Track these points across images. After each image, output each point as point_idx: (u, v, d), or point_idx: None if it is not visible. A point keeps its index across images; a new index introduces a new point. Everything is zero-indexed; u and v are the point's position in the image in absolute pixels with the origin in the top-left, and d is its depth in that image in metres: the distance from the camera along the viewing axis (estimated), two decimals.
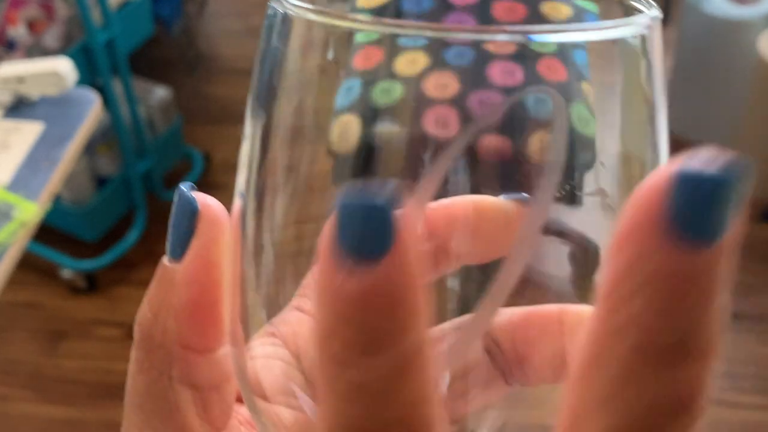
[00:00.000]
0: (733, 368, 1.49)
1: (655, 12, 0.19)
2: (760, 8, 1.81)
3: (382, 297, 0.14)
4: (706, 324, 0.13)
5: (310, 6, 0.19)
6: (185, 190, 0.21)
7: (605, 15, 0.21)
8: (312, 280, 0.21)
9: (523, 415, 0.22)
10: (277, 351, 0.21)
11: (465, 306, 0.23)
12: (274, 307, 0.21)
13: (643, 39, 0.19)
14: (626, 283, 0.13)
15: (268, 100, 0.20)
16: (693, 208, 0.13)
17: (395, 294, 0.14)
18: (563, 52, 0.20)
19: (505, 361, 0.22)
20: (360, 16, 0.18)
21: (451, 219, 0.21)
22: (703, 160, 0.13)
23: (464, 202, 0.21)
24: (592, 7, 0.21)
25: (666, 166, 0.13)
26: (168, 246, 0.21)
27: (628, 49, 0.19)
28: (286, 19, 0.19)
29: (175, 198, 0.21)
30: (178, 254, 0.21)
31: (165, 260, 0.21)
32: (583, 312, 0.21)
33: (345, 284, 0.14)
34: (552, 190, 0.19)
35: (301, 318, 0.21)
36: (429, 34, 0.18)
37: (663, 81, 0.20)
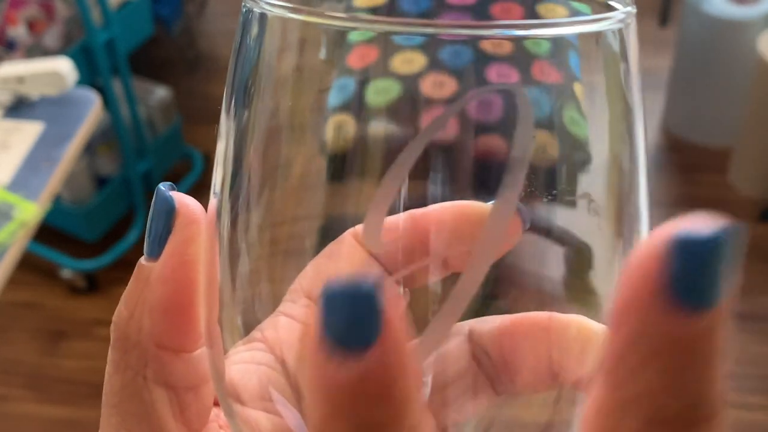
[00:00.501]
0: (734, 368, 1.49)
1: (630, 8, 0.19)
2: (760, 8, 1.81)
3: (374, 387, 0.13)
4: (714, 387, 0.13)
5: (287, 4, 0.18)
6: (163, 189, 0.21)
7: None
8: (299, 287, 0.21)
9: (510, 415, 0.22)
10: (256, 356, 0.21)
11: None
12: (249, 308, 0.21)
13: (621, 36, 0.19)
14: (633, 356, 0.13)
15: (245, 99, 0.20)
16: (692, 274, 0.13)
17: (386, 383, 0.13)
18: (557, 54, 0.20)
19: (493, 369, 0.22)
20: (340, 14, 0.18)
21: (437, 225, 0.21)
22: (696, 224, 0.13)
23: (447, 207, 0.20)
24: (585, 9, 0.21)
25: (660, 232, 0.13)
26: (145, 244, 0.21)
27: (609, 50, 0.20)
28: (263, 18, 0.19)
29: (154, 197, 0.21)
30: (155, 252, 0.21)
31: (142, 259, 0.21)
32: (570, 320, 0.21)
33: (336, 375, 0.13)
34: (518, 187, 0.19)
35: (287, 323, 0.21)
36: (392, 28, 0.18)
37: (639, 82, 0.20)
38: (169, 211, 0.21)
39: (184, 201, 0.21)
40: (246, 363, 0.21)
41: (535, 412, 0.22)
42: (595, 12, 0.21)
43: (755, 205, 1.75)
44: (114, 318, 0.21)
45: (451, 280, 0.22)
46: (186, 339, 0.21)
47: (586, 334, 0.21)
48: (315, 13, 0.18)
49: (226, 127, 0.21)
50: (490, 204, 0.20)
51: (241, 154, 0.20)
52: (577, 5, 0.21)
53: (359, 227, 0.21)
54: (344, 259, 0.21)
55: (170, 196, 0.21)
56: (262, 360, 0.21)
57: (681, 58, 1.93)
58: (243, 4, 0.20)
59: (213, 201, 0.20)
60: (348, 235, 0.21)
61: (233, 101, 0.20)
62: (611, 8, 0.20)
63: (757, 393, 1.45)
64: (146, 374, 0.21)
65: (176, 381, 0.21)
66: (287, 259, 0.21)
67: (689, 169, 1.88)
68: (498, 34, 0.18)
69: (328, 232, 0.21)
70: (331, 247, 0.21)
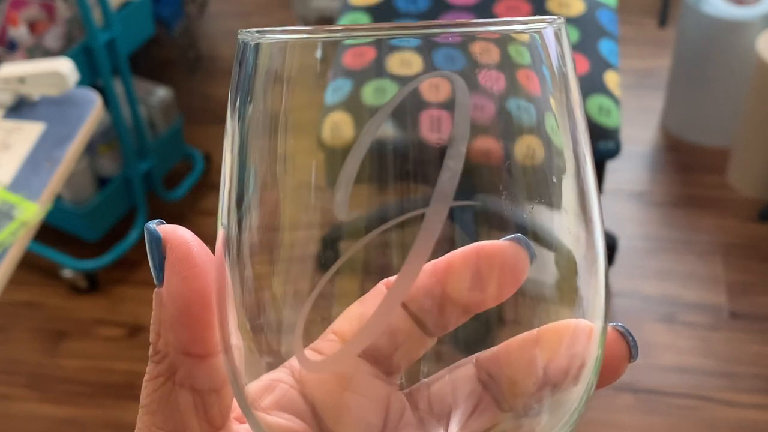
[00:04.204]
0: (733, 368, 1.49)
1: (560, 19, 0.21)
2: (759, 8, 1.81)
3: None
4: None
5: (272, 29, 0.21)
6: (150, 224, 0.24)
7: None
8: (330, 329, 0.24)
9: (509, 425, 0.24)
10: (281, 376, 0.24)
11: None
12: (255, 315, 0.23)
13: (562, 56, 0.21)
14: None
15: (244, 112, 0.22)
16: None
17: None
18: (534, 65, 0.21)
19: (496, 387, 0.24)
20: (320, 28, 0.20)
21: (454, 271, 0.23)
22: None
23: (465, 251, 0.23)
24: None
25: None
26: (153, 274, 0.24)
27: (560, 70, 0.21)
28: (256, 47, 0.21)
29: (144, 234, 0.24)
30: (160, 278, 0.24)
31: (156, 288, 0.24)
32: (558, 327, 0.23)
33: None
34: (454, 181, 0.20)
35: (311, 354, 0.24)
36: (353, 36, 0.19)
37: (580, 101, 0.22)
38: (158, 240, 0.24)
39: (167, 228, 0.24)
40: (272, 379, 0.24)
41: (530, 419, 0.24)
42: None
43: (754, 205, 1.75)
44: (150, 338, 0.25)
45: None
46: (206, 344, 0.24)
47: (572, 332, 0.23)
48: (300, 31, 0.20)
49: (230, 142, 0.23)
50: (500, 241, 0.22)
51: (243, 169, 0.23)
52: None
53: (392, 278, 0.23)
54: (370, 303, 0.23)
55: (154, 228, 0.24)
56: (285, 379, 0.24)
57: (680, 59, 1.93)
58: (238, 37, 0.22)
59: (221, 231, 0.23)
60: (381, 284, 0.24)
61: (236, 116, 0.23)
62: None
63: (756, 393, 1.45)
64: (175, 379, 0.24)
65: (201, 384, 0.24)
66: (291, 265, 0.23)
67: (688, 169, 1.89)
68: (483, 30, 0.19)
69: (328, 241, 0.23)
70: (366, 295, 0.24)
